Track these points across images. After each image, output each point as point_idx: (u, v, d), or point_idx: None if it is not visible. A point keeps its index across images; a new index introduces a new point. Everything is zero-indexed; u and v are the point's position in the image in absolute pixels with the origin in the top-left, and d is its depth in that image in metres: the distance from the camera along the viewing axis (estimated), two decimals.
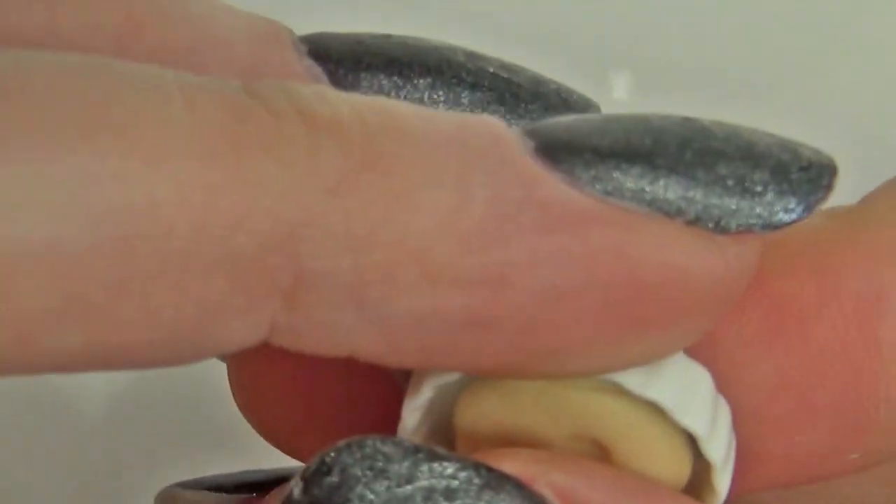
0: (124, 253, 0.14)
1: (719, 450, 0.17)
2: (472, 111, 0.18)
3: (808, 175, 0.16)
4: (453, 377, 0.17)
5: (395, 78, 0.18)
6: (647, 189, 0.15)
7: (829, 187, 0.16)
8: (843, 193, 0.17)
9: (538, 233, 0.15)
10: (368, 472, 0.15)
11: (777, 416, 0.18)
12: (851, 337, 0.17)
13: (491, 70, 0.18)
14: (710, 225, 0.16)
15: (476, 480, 0.15)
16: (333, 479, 0.15)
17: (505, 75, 0.18)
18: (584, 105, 0.18)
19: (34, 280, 0.13)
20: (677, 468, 0.17)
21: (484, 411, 0.17)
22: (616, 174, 0.15)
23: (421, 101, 0.18)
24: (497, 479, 0.16)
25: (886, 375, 0.18)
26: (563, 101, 0.18)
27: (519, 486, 0.16)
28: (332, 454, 0.15)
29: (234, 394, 0.19)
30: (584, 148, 0.15)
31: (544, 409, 0.17)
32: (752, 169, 0.16)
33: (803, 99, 0.32)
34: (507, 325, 0.15)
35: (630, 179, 0.15)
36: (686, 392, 0.17)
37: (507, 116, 0.18)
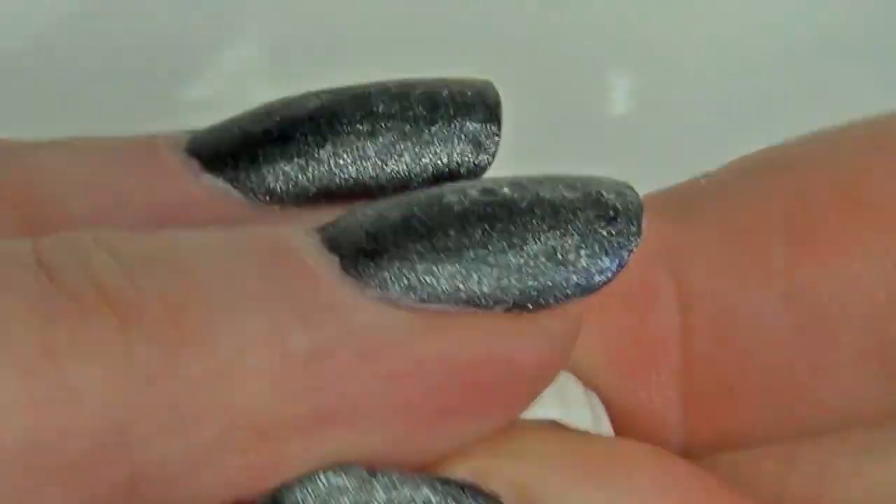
0: None
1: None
2: (378, 160, 0.17)
3: (616, 228, 0.16)
4: None
5: (297, 160, 0.17)
6: (462, 287, 0.15)
7: (638, 233, 0.16)
8: None
9: (359, 363, 0.15)
10: None
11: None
12: (630, 323, 0.18)
13: (380, 108, 0.17)
14: (530, 306, 0.15)
15: (434, 499, 0.15)
16: None
17: (395, 107, 0.17)
18: (482, 94, 0.17)
19: None
20: None
21: None
22: (428, 279, 0.15)
23: (331, 173, 0.17)
24: (455, 492, 0.15)
25: (652, 363, 0.18)
26: (462, 105, 0.17)
27: (475, 493, 0.15)
28: (285, 492, 0.15)
29: None
30: (393, 255, 0.15)
31: None
32: (561, 237, 0.15)
33: (804, 99, 0.31)
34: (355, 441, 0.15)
35: (444, 281, 0.15)
36: (568, 402, 0.17)
37: (415, 149, 0.17)
